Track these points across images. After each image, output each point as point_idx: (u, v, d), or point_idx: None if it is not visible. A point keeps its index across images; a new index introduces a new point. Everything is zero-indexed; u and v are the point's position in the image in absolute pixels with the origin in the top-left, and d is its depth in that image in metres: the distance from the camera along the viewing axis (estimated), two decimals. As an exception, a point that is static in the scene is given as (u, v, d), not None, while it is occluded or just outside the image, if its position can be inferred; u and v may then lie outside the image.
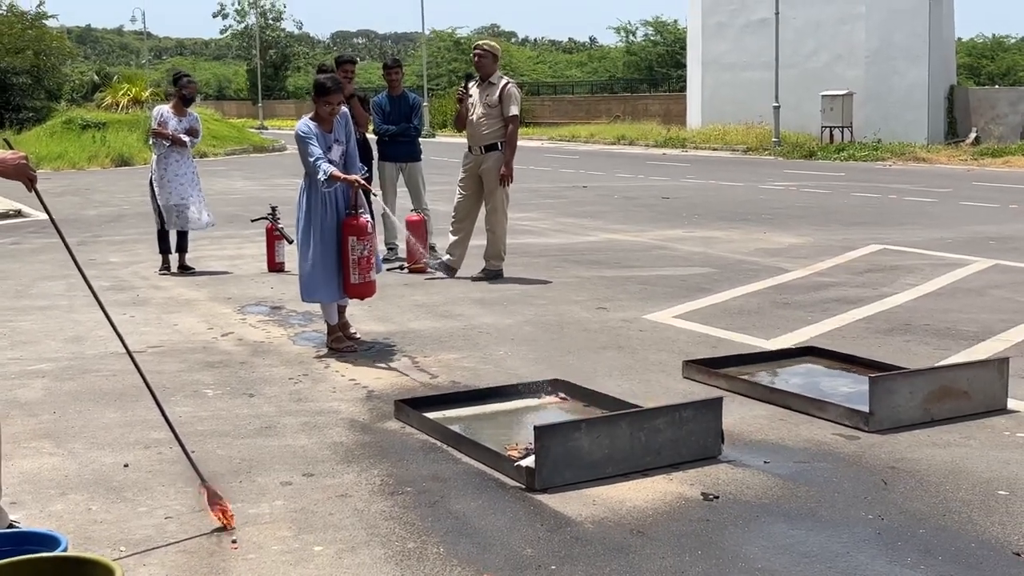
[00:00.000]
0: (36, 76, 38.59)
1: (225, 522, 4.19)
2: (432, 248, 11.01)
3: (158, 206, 10.32)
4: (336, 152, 7.07)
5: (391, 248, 11.08)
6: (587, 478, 4.67)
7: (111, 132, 30.11)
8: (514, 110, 9.58)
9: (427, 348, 7.23)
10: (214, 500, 4.24)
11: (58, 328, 7.97)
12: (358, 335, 7.30)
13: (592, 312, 8.37)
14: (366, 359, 6.96)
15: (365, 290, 7.08)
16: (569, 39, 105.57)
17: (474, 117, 9.66)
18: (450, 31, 60.54)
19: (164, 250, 10.45)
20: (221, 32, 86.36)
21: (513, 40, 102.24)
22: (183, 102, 10.51)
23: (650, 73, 54.60)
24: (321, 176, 6.79)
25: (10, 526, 3.93)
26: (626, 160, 29.60)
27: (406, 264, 10.38)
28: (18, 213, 15.74)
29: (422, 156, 11.17)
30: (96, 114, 33.22)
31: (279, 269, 10.43)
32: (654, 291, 9.22)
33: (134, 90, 37.43)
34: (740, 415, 5.63)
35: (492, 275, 9.83)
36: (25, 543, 3.26)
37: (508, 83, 9.69)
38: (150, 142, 10.71)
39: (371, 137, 10.94)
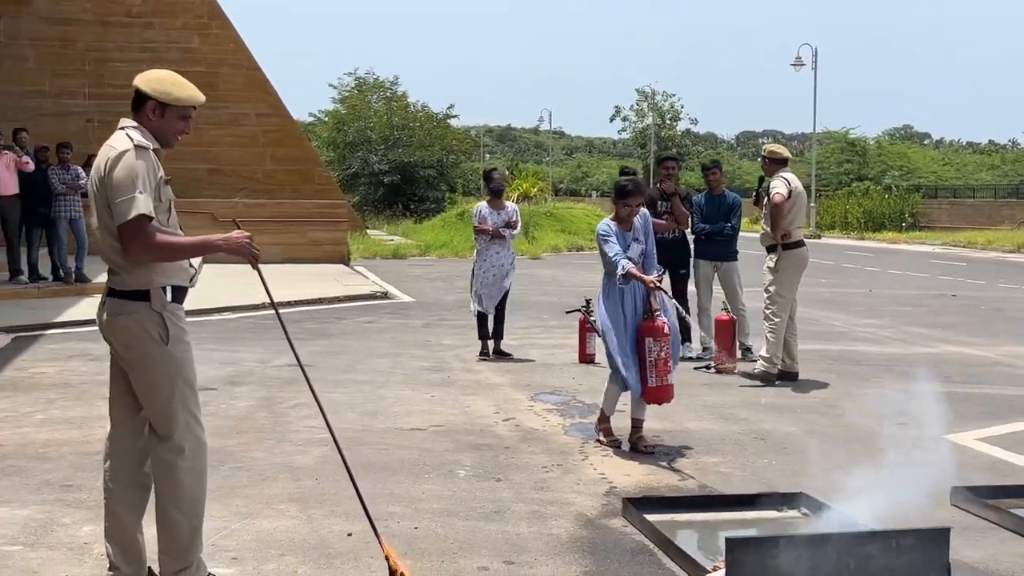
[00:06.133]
0: (440, 171, 41.79)
1: (403, 598, 4.33)
2: (748, 350, 10.81)
3: (477, 294, 10.85)
4: (635, 250, 7.14)
5: (706, 348, 10.96)
6: (785, 599, 4.40)
7: (495, 224, 31.86)
8: (774, 191, 9.49)
9: (693, 449, 7.10)
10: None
11: (362, 401, 8.53)
12: (652, 449, 7.07)
13: (885, 427, 7.85)
14: (627, 455, 6.94)
15: (662, 394, 7.01)
16: (989, 141, 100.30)
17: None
18: (844, 131, 59.21)
19: (483, 336, 10.95)
20: (619, 132, 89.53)
21: (926, 142, 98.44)
22: (493, 195, 11.05)
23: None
24: (619, 272, 6.92)
25: (206, 577, 4.27)
26: (1020, 270, 27.49)
27: (713, 364, 10.24)
28: (385, 295, 17.03)
29: (738, 256, 11.06)
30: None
31: (589, 361, 10.61)
32: (969, 410, 8.52)
33: (524, 185, 39.54)
34: (995, 551, 5.11)
35: (761, 379, 9.52)
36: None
37: (775, 177, 9.55)
38: (475, 237, 11.31)
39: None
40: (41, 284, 15.38)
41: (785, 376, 9.64)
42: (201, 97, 4.21)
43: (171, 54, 26.96)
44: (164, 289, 4.09)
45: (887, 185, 54.12)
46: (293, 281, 17.91)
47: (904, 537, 4.55)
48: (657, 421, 7.84)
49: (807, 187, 51.47)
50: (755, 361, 9.98)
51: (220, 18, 27.42)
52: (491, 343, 10.96)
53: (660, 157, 11.58)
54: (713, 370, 10.16)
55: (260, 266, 4.36)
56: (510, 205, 11.18)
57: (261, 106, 27.63)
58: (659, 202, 10.97)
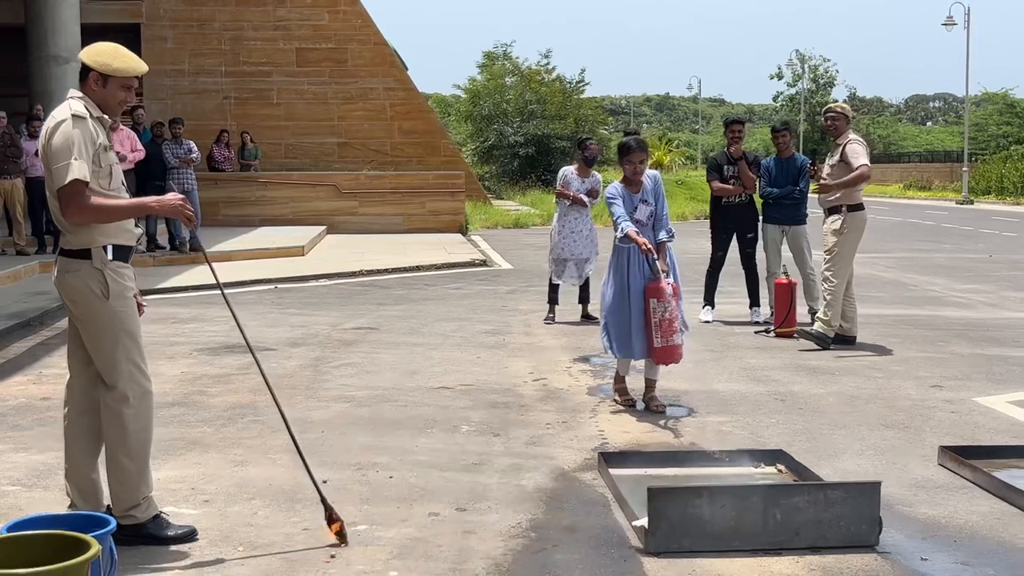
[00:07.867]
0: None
1: (338, 540, 4.58)
2: (814, 313, 10.64)
3: (553, 258, 10.98)
4: (644, 212, 7.19)
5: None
6: (709, 548, 4.48)
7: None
8: (861, 160, 9.18)
9: (704, 410, 7.12)
10: (332, 518, 4.63)
11: (408, 362, 8.78)
12: (664, 408, 7.12)
13: (919, 390, 7.72)
14: (635, 414, 7.02)
15: (668, 355, 7.05)
16: None
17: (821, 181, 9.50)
18: (1003, 91, 56.68)
19: (552, 299, 11.09)
20: (773, 99, 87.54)
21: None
22: (586, 163, 11.13)
23: None
24: (619, 234, 7.03)
25: (156, 516, 4.59)
26: None
27: (772, 327, 10.16)
28: (483, 262, 17.29)
29: (807, 219, 10.89)
30: (610, 176, 35.27)
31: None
32: (1018, 374, 8.27)
33: (656, 154, 39.31)
34: (954, 508, 5.05)
35: (817, 340, 9.39)
36: (84, 523, 3.86)
37: (851, 140, 9.34)
38: (556, 201, 11.40)
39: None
40: (157, 253, 16.21)
41: (842, 339, 9.51)
42: (142, 68, 4.49)
43: (302, 31, 27.84)
44: (105, 248, 4.41)
45: (1049, 148, 51.69)
46: (401, 250, 18.37)
47: (832, 490, 4.56)
48: (685, 382, 7.90)
49: (961, 151, 49.72)
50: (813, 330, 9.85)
51: (348, -5, 28.11)
52: (559, 308, 11.08)
53: (727, 120, 11.47)
54: (773, 334, 10.09)
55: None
56: (596, 174, 11.24)
57: (388, 80, 28.22)
58: (726, 166, 10.90)
